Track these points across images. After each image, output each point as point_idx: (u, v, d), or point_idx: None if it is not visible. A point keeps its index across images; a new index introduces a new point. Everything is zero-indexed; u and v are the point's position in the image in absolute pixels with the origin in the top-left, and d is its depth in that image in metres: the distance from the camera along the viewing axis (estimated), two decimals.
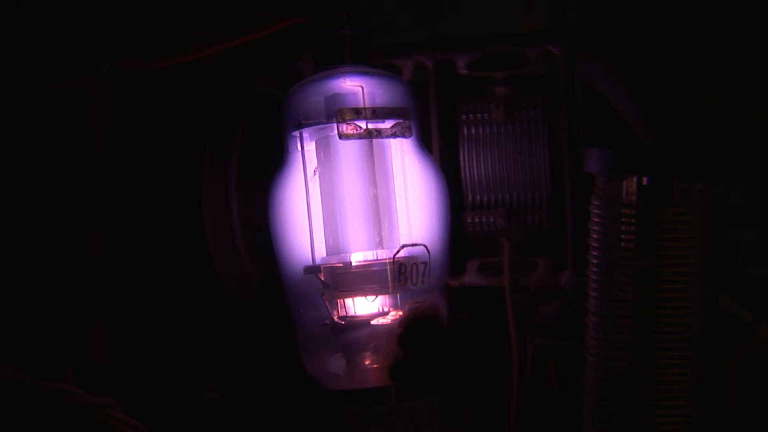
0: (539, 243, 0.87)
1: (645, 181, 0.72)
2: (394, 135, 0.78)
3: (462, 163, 0.88)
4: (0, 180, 0.96)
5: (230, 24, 1.03)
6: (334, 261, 0.77)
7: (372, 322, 0.77)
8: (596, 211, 0.74)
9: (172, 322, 0.97)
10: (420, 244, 0.77)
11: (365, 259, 0.77)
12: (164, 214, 0.96)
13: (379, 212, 0.78)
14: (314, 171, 0.79)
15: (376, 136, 0.77)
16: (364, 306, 0.77)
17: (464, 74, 0.88)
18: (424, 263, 0.77)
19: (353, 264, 0.76)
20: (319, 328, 0.78)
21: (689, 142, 0.70)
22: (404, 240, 0.78)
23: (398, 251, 0.76)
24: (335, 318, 0.77)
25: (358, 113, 0.77)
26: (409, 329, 0.77)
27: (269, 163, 0.82)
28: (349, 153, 0.78)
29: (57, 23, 0.98)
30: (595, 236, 0.74)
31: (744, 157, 0.87)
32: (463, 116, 0.88)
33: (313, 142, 0.79)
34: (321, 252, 0.78)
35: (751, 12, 0.87)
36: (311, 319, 0.78)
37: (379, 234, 0.78)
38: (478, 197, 0.88)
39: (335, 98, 0.77)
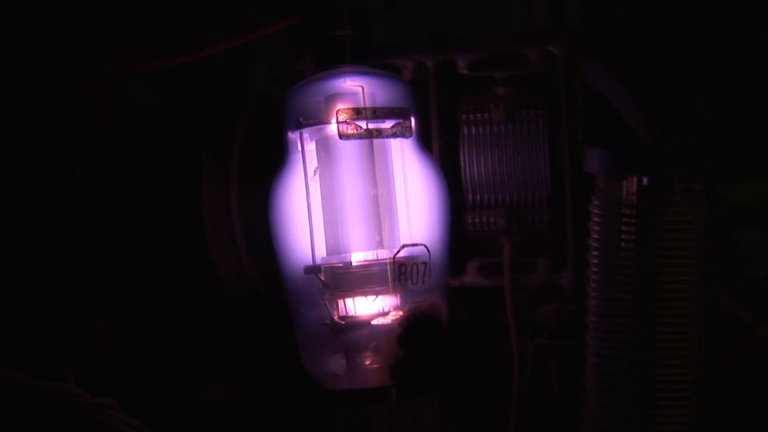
0: (539, 243, 0.87)
1: (645, 181, 0.72)
2: (394, 135, 0.78)
3: (462, 163, 0.88)
4: (0, 180, 0.96)
5: (230, 24, 1.03)
6: (335, 261, 0.77)
7: (372, 322, 0.77)
8: (596, 211, 0.74)
9: (172, 322, 0.97)
10: (420, 244, 0.77)
11: (365, 259, 0.77)
12: (164, 214, 0.96)
13: (380, 212, 0.78)
14: (314, 171, 0.79)
15: (377, 136, 0.77)
16: (364, 306, 0.77)
17: (464, 74, 0.88)
18: (425, 263, 0.77)
19: (353, 264, 0.76)
20: (319, 328, 0.78)
21: (689, 142, 0.70)
22: (404, 240, 0.78)
23: (398, 251, 0.76)
24: (335, 318, 0.77)
25: (358, 113, 0.77)
26: (410, 329, 0.77)
27: (269, 163, 0.82)
28: (349, 153, 0.78)
29: (57, 23, 0.98)
30: (595, 236, 0.74)
31: (744, 157, 0.87)
32: (463, 116, 0.88)
33: (314, 142, 0.79)
34: (321, 252, 0.78)
35: (751, 12, 0.87)
36: (311, 319, 0.78)
37: (380, 234, 0.78)
38: (478, 197, 0.88)
39: (335, 98, 0.77)
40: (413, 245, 0.77)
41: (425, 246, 0.77)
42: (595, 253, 0.74)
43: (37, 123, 0.97)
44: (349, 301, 0.77)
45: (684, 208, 0.71)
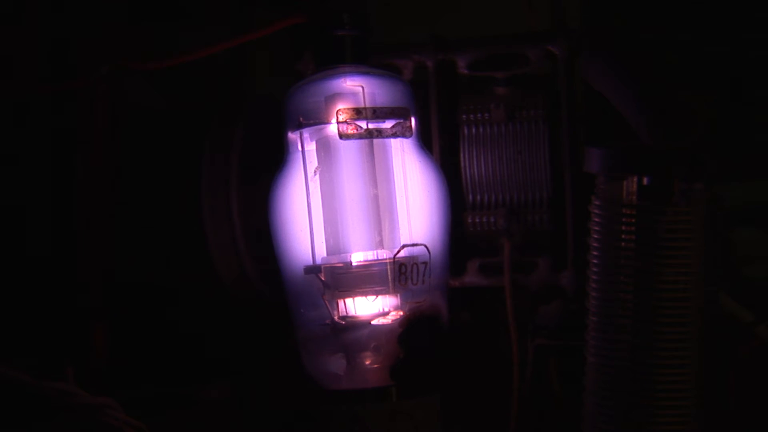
0: (539, 243, 0.87)
1: (645, 181, 0.72)
2: (394, 135, 0.78)
3: (462, 163, 0.88)
4: (1, 180, 0.96)
5: (230, 24, 1.03)
6: (335, 261, 0.77)
7: (372, 322, 0.77)
8: (596, 211, 0.74)
9: (172, 322, 0.97)
10: (420, 244, 0.77)
11: (366, 259, 0.77)
12: (164, 215, 0.96)
13: (380, 212, 0.78)
14: (315, 171, 0.79)
15: (377, 136, 0.77)
16: (364, 306, 0.77)
17: (464, 74, 0.88)
18: (425, 263, 0.77)
19: (354, 264, 0.76)
20: (319, 328, 0.78)
21: (689, 142, 0.70)
22: (405, 240, 0.78)
23: (399, 251, 0.76)
24: (336, 318, 0.77)
25: (358, 113, 0.77)
26: (410, 329, 0.77)
27: (269, 163, 0.82)
28: (349, 153, 0.78)
29: (57, 23, 0.98)
30: (595, 236, 0.74)
31: (744, 157, 0.87)
32: (464, 116, 0.88)
33: (314, 142, 0.79)
34: (321, 252, 0.78)
35: (751, 12, 0.87)
36: (311, 319, 0.78)
37: (380, 234, 0.78)
38: (478, 197, 0.88)
39: (335, 98, 0.77)
40: (413, 245, 0.77)
41: (425, 246, 0.78)
42: (595, 253, 0.74)
43: (37, 123, 0.97)
44: (349, 301, 0.77)
45: (684, 208, 0.71)
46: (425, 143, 0.83)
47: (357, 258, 0.77)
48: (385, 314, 0.77)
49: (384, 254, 0.77)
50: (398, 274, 0.76)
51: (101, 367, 0.93)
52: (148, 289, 0.97)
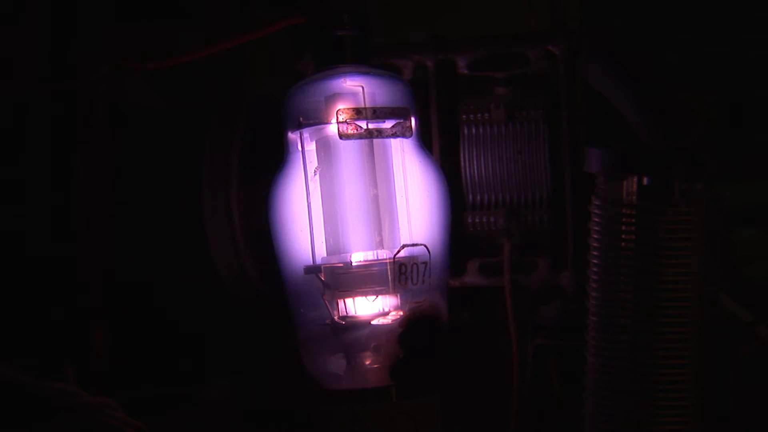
0: (539, 243, 0.87)
1: (645, 181, 0.72)
2: (394, 135, 0.78)
3: (462, 163, 0.88)
4: (1, 180, 0.96)
5: (230, 24, 1.03)
6: (335, 261, 0.77)
7: (372, 322, 0.77)
8: (596, 211, 0.74)
9: (172, 322, 0.97)
10: (420, 244, 0.77)
11: (366, 259, 0.77)
12: (164, 215, 0.96)
13: (380, 212, 0.78)
14: (315, 171, 0.79)
15: (377, 136, 0.77)
16: (364, 306, 0.77)
17: (464, 74, 0.88)
18: (425, 263, 0.77)
19: (354, 264, 0.76)
20: (319, 328, 0.78)
21: (689, 142, 0.70)
22: (404, 240, 0.78)
23: (399, 251, 0.76)
24: (336, 318, 0.77)
25: (358, 113, 0.77)
26: (410, 329, 0.77)
27: (269, 163, 0.82)
28: (349, 153, 0.78)
29: (57, 23, 0.98)
30: (595, 236, 0.74)
31: (744, 157, 0.87)
32: (464, 116, 0.88)
33: (314, 142, 0.79)
34: (321, 252, 0.78)
35: (751, 12, 0.87)
36: (311, 319, 0.78)
37: (380, 234, 0.78)
38: (478, 197, 0.88)
39: (336, 98, 0.77)
40: (413, 245, 0.77)
41: (425, 246, 0.78)
42: (595, 253, 0.74)
43: (37, 123, 0.97)
44: (349, 301, 0.77)
45: (684, 208, 0.71)
46: (425, 143, 0.83)
47: (357, 258, 0.77)
48: (385, 314, 0.77)
49: (384, 254, 0.77)
50: (398, 274, 0.76)
51: (101, 367, 0.93)
52: (148, 289, 0.97)
